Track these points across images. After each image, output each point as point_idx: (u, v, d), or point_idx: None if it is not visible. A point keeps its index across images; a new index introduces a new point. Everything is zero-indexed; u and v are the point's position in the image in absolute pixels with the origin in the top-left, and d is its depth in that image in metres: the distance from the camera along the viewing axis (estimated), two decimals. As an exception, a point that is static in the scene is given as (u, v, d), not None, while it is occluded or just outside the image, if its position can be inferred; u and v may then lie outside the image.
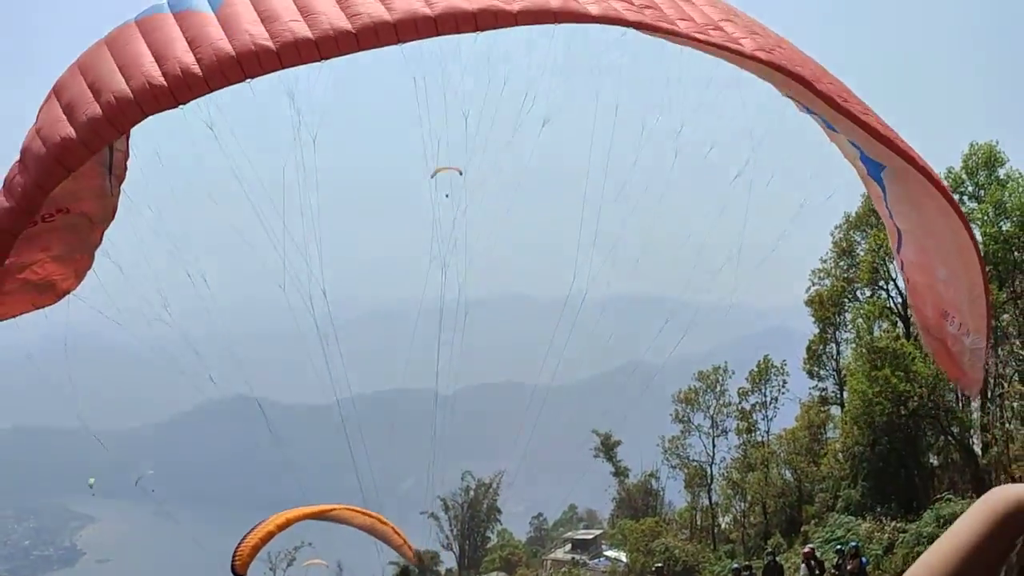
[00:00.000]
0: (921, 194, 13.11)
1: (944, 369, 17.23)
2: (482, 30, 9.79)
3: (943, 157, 55.34)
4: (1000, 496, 1.48)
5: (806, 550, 29.92)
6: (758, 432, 61.99)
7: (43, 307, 12.74)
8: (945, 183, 13.14)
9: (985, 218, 49.24)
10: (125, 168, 12.29)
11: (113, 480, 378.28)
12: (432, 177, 28.25)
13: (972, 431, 48.65)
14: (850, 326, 57.13)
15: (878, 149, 12.69)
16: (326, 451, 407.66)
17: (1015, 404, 46.03)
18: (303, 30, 9.29)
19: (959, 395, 51.55)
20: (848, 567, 27.30)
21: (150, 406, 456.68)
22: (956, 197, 50.54)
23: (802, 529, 50.21)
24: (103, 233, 12.54)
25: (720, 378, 62.28)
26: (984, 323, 14.24)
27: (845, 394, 54.98)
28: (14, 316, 12.11)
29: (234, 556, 26.10)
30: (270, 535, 27.54)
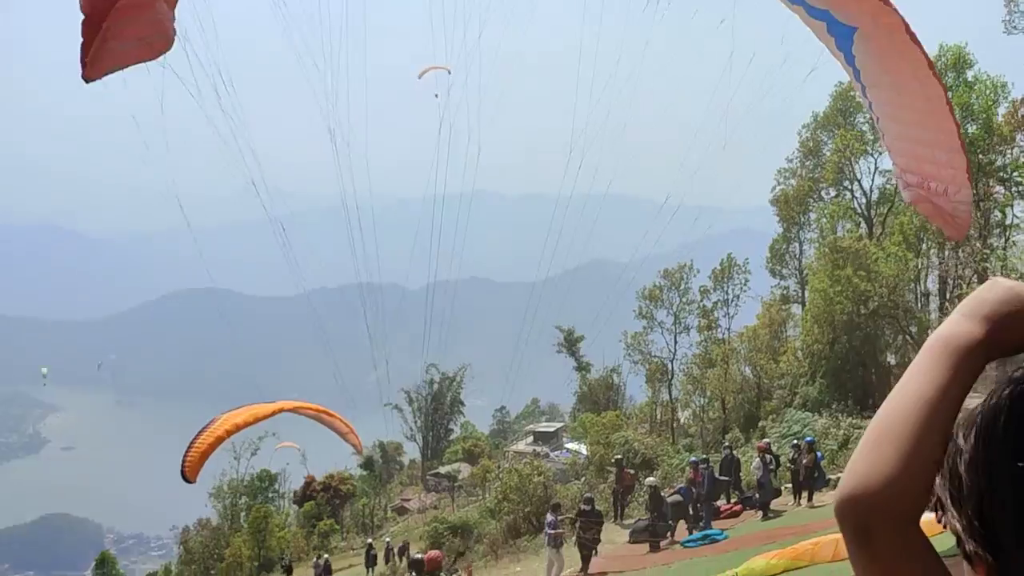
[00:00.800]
0: (891, 53, 13.01)
1: (931, 220, 17.36)
2: None
3: (913, 57, 54.91)
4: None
5: (761, 444, 30.42)
6: (719, 329, 62.57)
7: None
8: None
9: (952, 120, 49.08)
10: None
11: (77, 369, 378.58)
12: (419, 77, 27.78)
13: (930, 330, 49.28)
14: (814, 226, 57.43)
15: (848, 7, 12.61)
16: (291, 343, 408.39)
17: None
18: None
19: (918, 295, 52.23)
20: (803, 461, 27.80)
21: (114, 296, 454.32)
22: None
23: (759, 424, 51.01)
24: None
25: (684, 276, 62.54)
26: (965, 174, 14.31)
27: (806, 293, 55.50)
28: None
29: (183, 463, 26.06)
30: (220, 440, 27.53)
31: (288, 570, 58.40)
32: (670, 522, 27.31)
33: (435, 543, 40.73)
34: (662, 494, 28.42)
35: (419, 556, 18.34)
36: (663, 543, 26.53)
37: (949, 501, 1.28)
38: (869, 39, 13.28)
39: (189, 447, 26.74)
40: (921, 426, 1.20)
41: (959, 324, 1.29)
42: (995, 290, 1.29)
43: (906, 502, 1.17)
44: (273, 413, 32.36)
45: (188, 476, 27.22)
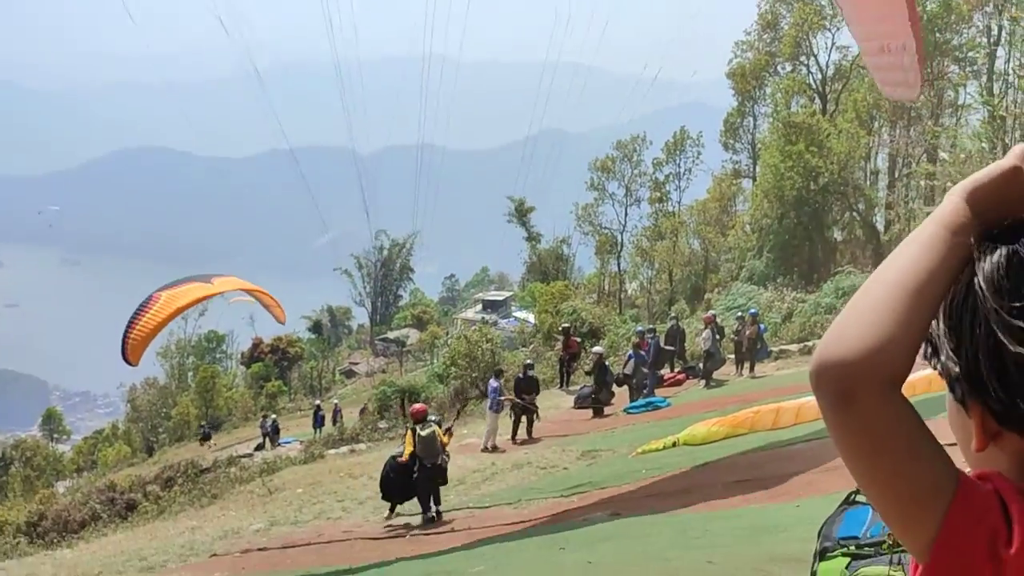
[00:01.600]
0: None
1: (887, 92, 17.75)
2: None
3: (877, -69, 54.17)
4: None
5: (707, 315, 30.83)
6: (670, 202, 62.76)
7: None
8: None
9: (912, -3, 48.71)
10: None
11: (21, 225, 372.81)
12: None
13: (877, 208, 49.88)
14: (768, 100, 57.20)
15: None
16: (240, 204, 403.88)
17: (921, 183, 47.09)
18: None
19: (868, 173, 52.59)
20: (747, 333, 28.24)
21: (60, 151, 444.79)
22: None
23: (705, 297, 51.67)
24: None
25: (637, 148, 62.32)
26: (916, 27, 14.39)
27: (758, 168, 55.63)
28: None
29: (125, 346, 25.80)
30: (162, 325, 27.38)
31: (206, 437, 58.97)
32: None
33: (382, 406, 41.27)
34: (606, 363, 28.81)
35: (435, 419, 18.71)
36: (607, 409, 26.99)
37: (947, 344, 1.25)
38: None
39: (129, 328, 26.45)
40: (914, 294, 1.19)
41: (954, 200, 1.24)
42: (991, 171, 1.24)
43: (894, 367, 1.16)
44: (211, 295, 32.67)
45: (131, 360, 27.08)
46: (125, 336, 26.02)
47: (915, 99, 21.60)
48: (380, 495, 18.02)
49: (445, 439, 17.81)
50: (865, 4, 15.07)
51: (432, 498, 17.04)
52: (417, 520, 16.97)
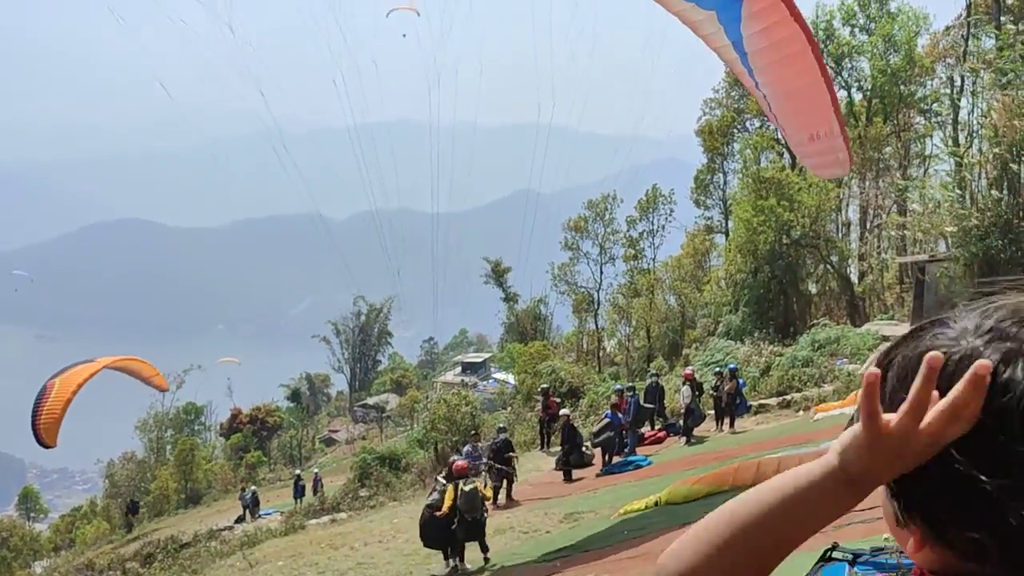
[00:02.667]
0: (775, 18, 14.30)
1: (820, 173, 19.21)
2: None
3: (838, -13, 55.36)
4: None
5: (687, 371, 30.86)
6: (644, 259, 63.08)
7: None
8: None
9: (874, 51, 49.72)
10: None
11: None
12: (387, 16, 27.43)
13: (849, 260, 50.30)
14: (738, 156, 57.82)
15: None
16: (215, 274, 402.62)
17: (892, 234, 47.56)
18: None
19: (839, 226, 53.11)
20: (726, 388, 28.27)
21: (32, 227, 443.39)
22: (847, 30, 51.01)
23: (683, 352, 51.75)
24: None
25: (609, 206, 62.75)
26: (837, 112, 16.01)
27: (730, 223, 56.06)
28: None
29: (38, 432, 26.24)
30: (69, 403, 27.78)
31: (133, 510, 58.27)
32: (591, 451, 27.67)
33: (363, 473, 40.87)
34: (574, 424, 28.71)
35: (453, 460, 19.64)
36: (596, 472, 26.78)
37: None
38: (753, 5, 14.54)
39: (36, 417, 26.91)
40: (743, 539, 1.24)
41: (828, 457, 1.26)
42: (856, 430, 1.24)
43: None
44: (100, 370, 33.79)
45: (47, 443, 27.55)
46: (34, 424, 26.63)
47: (848, 173, 23.00)
48: (423, 544, 18.52)
49: (487, 493, 18.91)
50: (792, 103, 16.39)
51: (480, 547, 17.68)
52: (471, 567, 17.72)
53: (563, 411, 29.51)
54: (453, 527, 17.66)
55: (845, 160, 16.90)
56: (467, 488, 17.76)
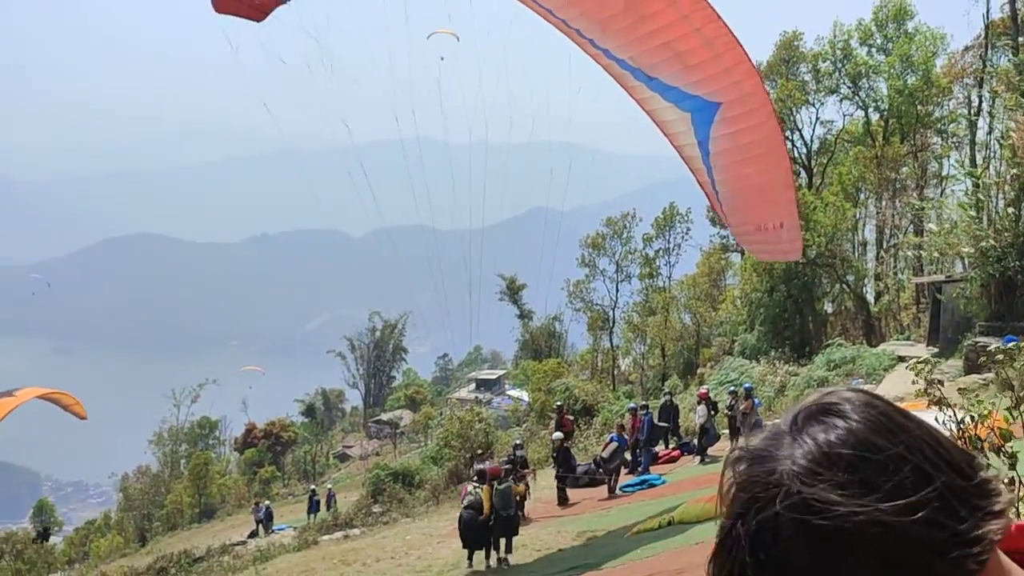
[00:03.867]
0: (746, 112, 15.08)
1: (763, 257, 21.02)
2: None
3: (855, 8, 55.41)
4: None
5: (702, 391, 30.74)
6: (660, 277, 63.02)
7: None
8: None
9: (891, 71, 49.66)
10: None
11: (13, 314, 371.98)
12: (428, 38, 27.68)
13: (866, 280, 50.14)
14: (755, 175, 57.72)
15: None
16: (230, 289, 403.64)
17: (908, 254, 47.39)
18: None
19: (855, 245, 52.98)
20: (740, 407, 28.15)
21: (50, 241, 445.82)
22: (864, 50, 50.96)
23: (698, 371, 51.63)
24: None
25: (627, 224, 62.78)
26: (793, 207, 17.67)
27: (746, 242, 55.92)
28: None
29: None
30: None
31: (44, 536, 58.20)
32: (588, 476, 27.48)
33: (376, 489, 40.84)
34: (568, 448, 28.15)
35: (483, 467, 20.48)
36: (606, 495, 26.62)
37: None
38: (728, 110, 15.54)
39: None
40: None
41: None
42: None
43: None
44: (18, 405, 34.77)
45: None
46: None
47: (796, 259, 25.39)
48: (463, 545, 19.49)
49: (520, 488, 20.91)
50: (747, 197, 17.56)
51: (505, 546, 19.13)
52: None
53: (555, 434, 28.65)
54: (491, 524, 19.01)
55: (792, 250, 18.62)
56: (501, 487, 19.34)
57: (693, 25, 15.06)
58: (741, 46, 15.12)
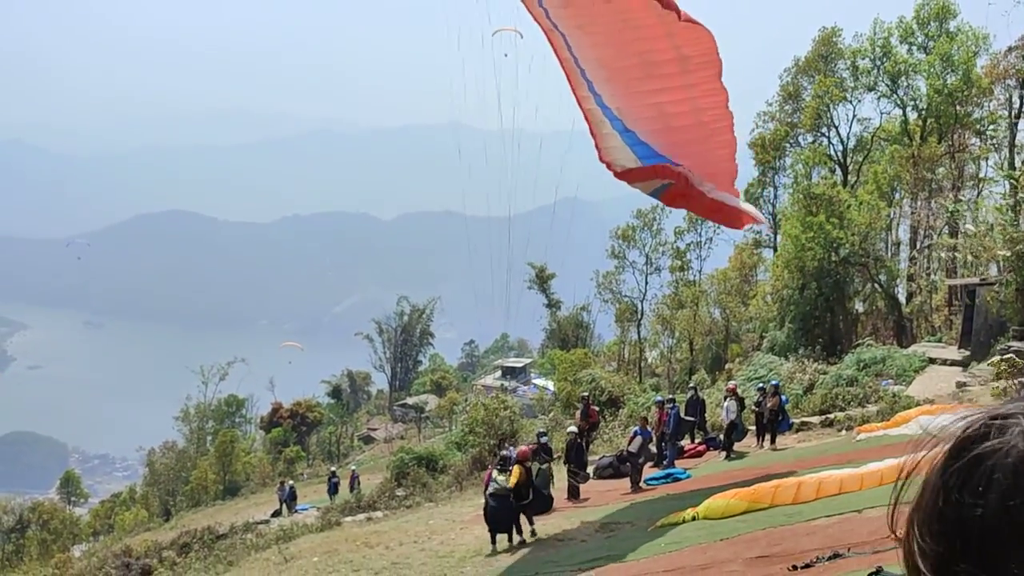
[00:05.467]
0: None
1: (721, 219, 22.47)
2: None
3: (896, 5, 54.86)
4: None
5: (731, 385, 30.62)
6: (691, 271, 62.76)
7: None
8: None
9: (932, 70, 49.15)
10: None
11: (47, 288, 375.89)
12: (493, 35, 27.78)
13: (898, 280, 49.74)
14: (789, 171, 57.39)
15: None
16: (261, 269, 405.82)
17: (942, 255, 46.96)
18: None
19: (889, 244, 52.54)
20: (768, 404, 28.02)
21: (85, 215, 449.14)
22: (904, 48, 50.55)
23: (726, 367, 51.42)
24: None
25: (658, 216, 62.53)
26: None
27: (779, 238, 55.65)
28: None
29: None
30: None
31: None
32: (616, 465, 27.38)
33: (400, 473, 41.00)
34: (581, 443, 27.54)
35: (508, 453, 20.91)
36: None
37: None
38: None
39: None
40: None
41: None
42: None
43: None
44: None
45: None
46: None
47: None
48: (487, 529, 19.89)
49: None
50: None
51: (529, 522, 19.93)
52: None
53: (570, 428, 28.33)
54: (522, 503, 19.70)
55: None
56: (543, 466, 20.90)
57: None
58: None
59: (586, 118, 20.00)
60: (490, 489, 19.75)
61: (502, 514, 19.43)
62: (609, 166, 20.88)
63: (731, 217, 22.65)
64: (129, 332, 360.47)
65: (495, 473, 20.03)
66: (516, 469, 19.67)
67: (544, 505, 20.59)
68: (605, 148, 20.59)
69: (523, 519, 19.84)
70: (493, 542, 19.51)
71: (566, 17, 17.20)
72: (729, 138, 19.87)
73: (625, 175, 21.08)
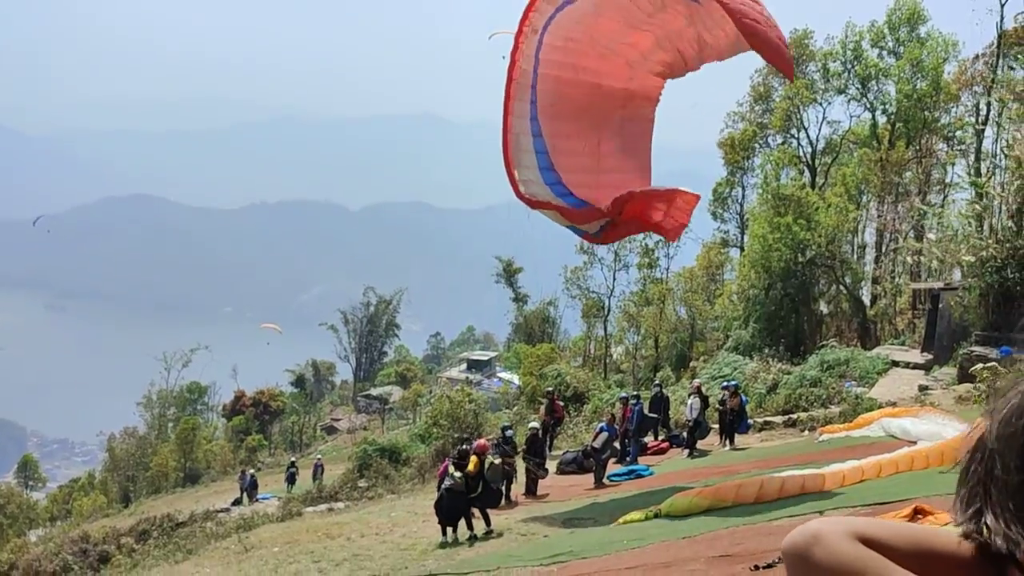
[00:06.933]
0: None
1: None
2: None
3: (869, 9, 55.24)
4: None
5: (695, 383, 30.68)
6: (658, 268, 62.93)
7: None
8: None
9: (901, 75, 49.55)
10: None
11: (6, 269, 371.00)
12: (490, 38, 27.79)
13: (863, 282, 50.12)
14: (758, 171, 57.67)
15: None
16: (226, 256, 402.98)
17: (908, 259, 47.36)
18: None
19: (855, 247, 52.94)
20: (728, 404, 28.10)
21: (49, 196, 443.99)
22: (875, 52, 50.87)
23: (691, 365, 51.64)
24: None
25: (627, 214, 62.56)
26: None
27: (746, 238, 55.91)
28: None
29: None
30: None
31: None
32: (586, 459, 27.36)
33: (363, 464, 40.85)
34: (539, 435, 27.51)
35: (466, 448, 21.23)
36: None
37: (999, 505, 1.29)
38: None
39: None
40: None
41: None
42: None
43: None
44: None
45: None
46: None
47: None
48: (439, 519, 20.08)
49: (498, 463, 21.61)
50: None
51: (485, 519, 19.97)
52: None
53: (532, 424, 28.28)
54: (471, 497, 19.84)
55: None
56: (496, 461, 20.96)
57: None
58: None
59: (506, 136, 20.51)
60: (446, 483, 20.05)
61: (453, 507, 19.71)
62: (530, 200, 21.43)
63: (668, 198, 22.78)
64: (92, 316, 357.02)
65: (451, 468, 20.44)
66: (473, 459, 20.07)
67: (493, 500, 20.68)
68: (522, 181, 21.30)
69: (476, 514, 20.01)
70: (444, 534, 19.75)
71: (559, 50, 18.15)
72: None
73: (570, 215, 21.74)
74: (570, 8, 18.76)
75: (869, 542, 1.26)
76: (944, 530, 1.31)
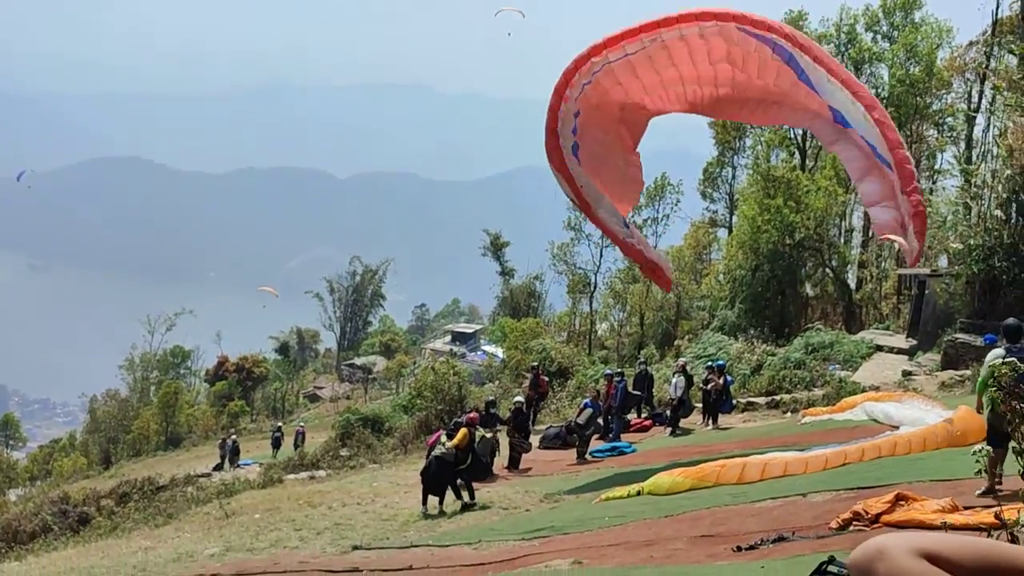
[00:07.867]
0: None
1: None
2: None
3: (864, -8, 55.12)
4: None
5: (680, 362, 30.71)
6: (646, 247, 62.86)
7: None
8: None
9: (895, 60, 49.50)
10: None
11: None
12: (496, 15, 27.61)
13: (849, 266, 50.24)
14: (749, 152, 57.63)
15: None
16: (213, 220, 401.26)
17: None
18: None
19: (843, 231, 53.03)
20: (711, 385, 28.15)
21: (34, 156, 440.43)
22: (869, 36, 50.81)
23: (675, 343, 51.73)
24: None
25: (615, 190, 62.49)
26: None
27: (734, 219, 55.92)
28: None
29: None
30: None
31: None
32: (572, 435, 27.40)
33: (345, 433, 40.88)
34: (523, 410, 27.53)
35: (460, 420, 21.51)
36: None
37: None
38: None
39: None
40: None
41: None
42: None
43: None
44: None
45: None
46: None
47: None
48: (424, 487, 20.07)
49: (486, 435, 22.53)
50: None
51: (469, 493, 20.06)
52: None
53: (517, 398, 28.34)
54: (459, 468, 19.97)
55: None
56: (488, 435, 21.68)
57: None
58: None
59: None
60: (436, 451, 20.01)
61: (440, 475, 19.76)
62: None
63: (650, 269, 23.12)
64: (75, 277, 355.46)
65: (443, 437, 20.39)
66: (462, 431, 20.14)
67: (482, 472, 21.12)
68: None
69: (461, 485, 20.10)
70: (424, 503, 19.74)
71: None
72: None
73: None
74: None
75: (933, 558, 1.26)
76: (1010, 545, 1.30)
